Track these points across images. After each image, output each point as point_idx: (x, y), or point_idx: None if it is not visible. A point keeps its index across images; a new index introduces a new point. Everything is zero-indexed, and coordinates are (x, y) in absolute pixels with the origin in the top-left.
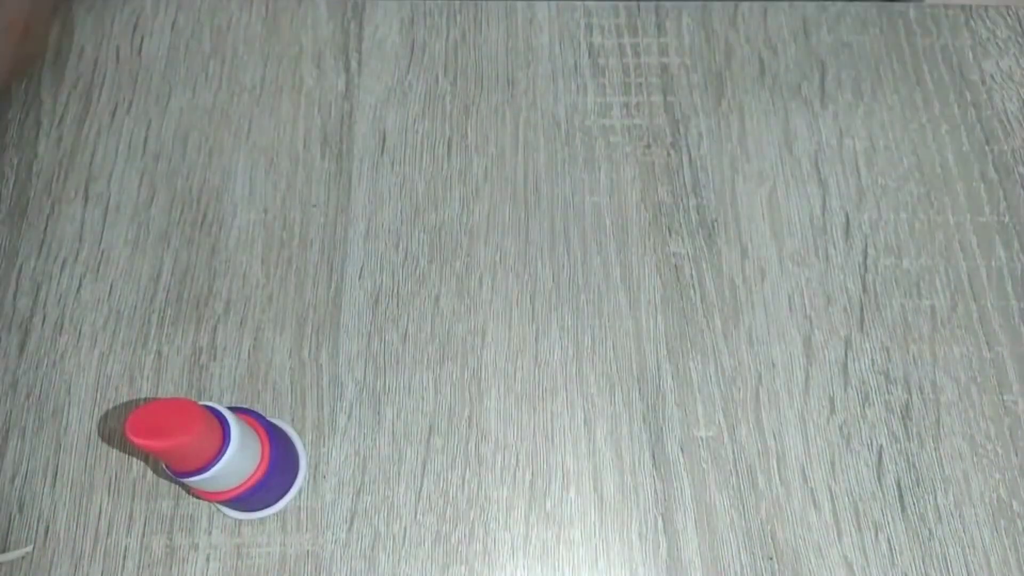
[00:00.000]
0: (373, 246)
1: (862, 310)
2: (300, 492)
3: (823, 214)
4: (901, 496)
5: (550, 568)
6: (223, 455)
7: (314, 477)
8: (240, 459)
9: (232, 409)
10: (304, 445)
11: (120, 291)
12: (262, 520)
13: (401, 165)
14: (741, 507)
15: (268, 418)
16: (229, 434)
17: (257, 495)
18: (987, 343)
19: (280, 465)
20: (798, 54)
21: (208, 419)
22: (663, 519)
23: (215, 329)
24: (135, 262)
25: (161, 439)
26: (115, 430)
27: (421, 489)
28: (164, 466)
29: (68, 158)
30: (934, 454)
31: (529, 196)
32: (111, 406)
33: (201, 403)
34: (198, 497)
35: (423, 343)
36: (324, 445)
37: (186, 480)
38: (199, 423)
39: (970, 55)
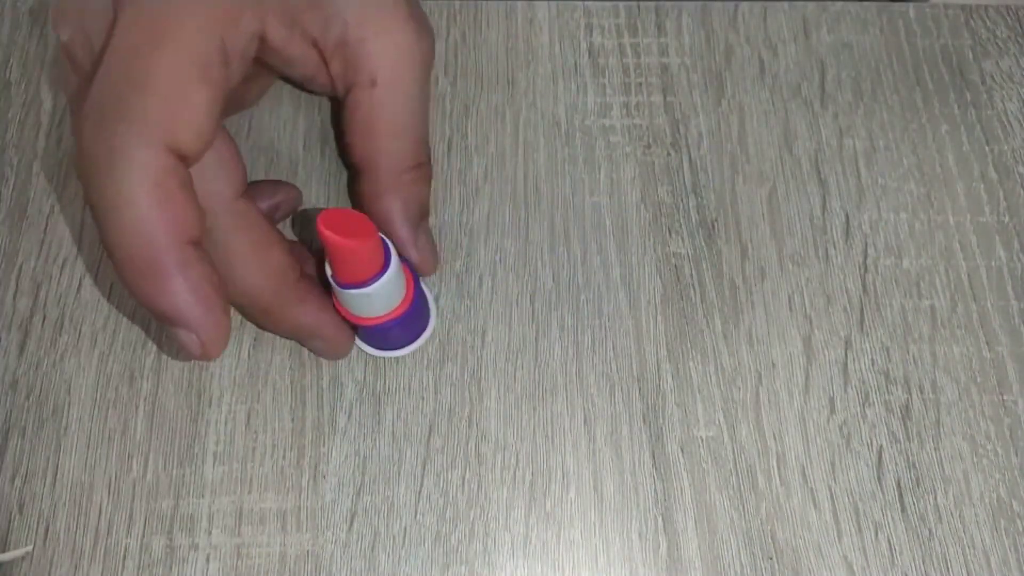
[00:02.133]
0: None
1: (862, 310)
2: (429, 339)
3: (823, 214)
4: (901, 496)
5: (550, 568)
6: (388, 267)
7: (314, 475)
8: (397, 282)
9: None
10: (433, 298)
11: (120, 291)
12: (263, 518)
13: None
14: (741, 507)
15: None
16: (389, 254)
17: (405, 324)
18: (987, 343)
19: (418, 305)
20: (798, 54)
21: (379, 236)
22: (663, 519)
23: None
24: None
25: (350, 238)
26: (113, 430)
27: (421, 489)
28: (329, 276)
29: (68, 158)
30: (934, 454)
31: (529, 196)
32: (111, 406)
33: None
34: (348, 323)
35: (423, 343)
36: (324, 445)
37: (354, 291)
38: (375, 234)
39: (970, 55)
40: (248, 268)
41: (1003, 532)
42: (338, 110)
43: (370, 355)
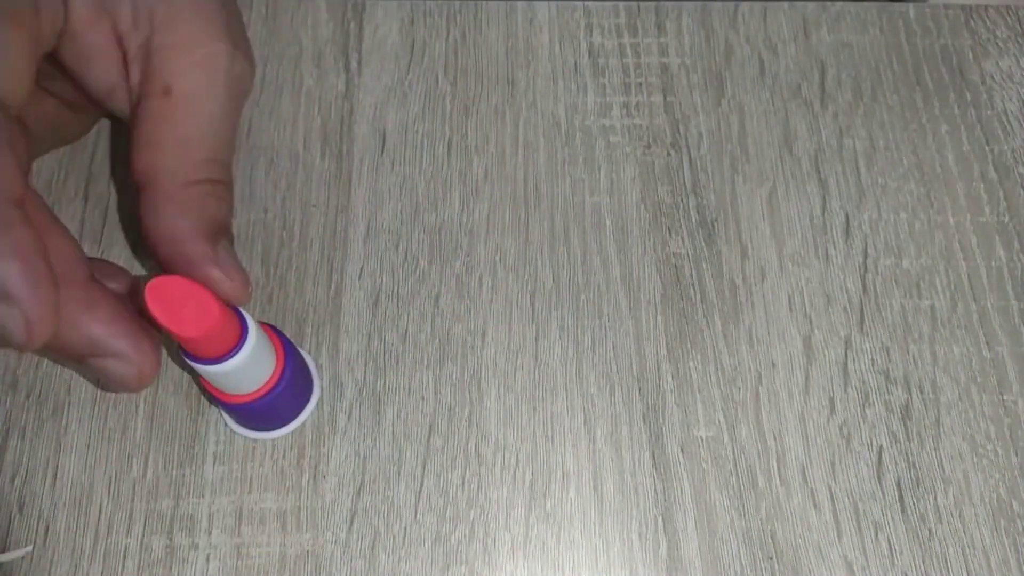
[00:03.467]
0: (373, 246)
1: (862, 310)
2: (310, 416)
3: (823, 214)
4: (901, 496)
5: (550, 568)
6: (244, 344)
7: (314, 476)
8: (260, 354)
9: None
10: (317, 365)
11: None
12: (263, 518)
13: (401, 165)
14: (741, 507)
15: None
16: (247, 327)
17: (277, 402)
18: (987, 343)
19: (296, 374)
20: (798, 54)
21: (228, 311)
22: (663, 519)
23: None
24: (135, 262)
25: (187, 325)
26: (113, 430)
27: (421, 489)
28: (182, 352)
29: (68, 158)
30: (934, 454)
31: (529, 196)
32: (111, 406)
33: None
34: (212, 400)
35: (423, 343)
36: (324, 445)
37: (205, 367)
38: (222, 312)
39: (970, 55)
40: (15, 258)
41: (1003, 532)
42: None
43: (247, 437)
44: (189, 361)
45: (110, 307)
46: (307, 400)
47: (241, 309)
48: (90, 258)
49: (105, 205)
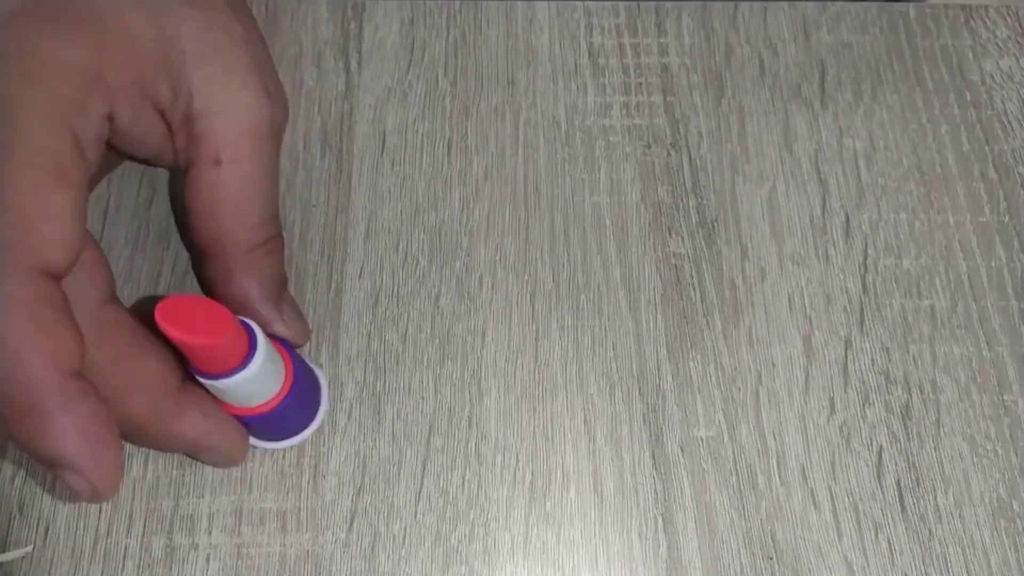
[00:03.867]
0: (373, 246)
1: (862, 310)
2: (320, 426)
3: (823, 214)
4: (901, 496)
5: (550, 568)
6: (253, 358)
7: (314, 475)
8: (269, 368)
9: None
10: (324, 375)
11: (120, 291)
12: (263, 518)
13: (401, 165)
14: (741, 507)
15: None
16: (255, 341)
17: (285, 414)
18: (987, 343)
19: (304, 386)
20: (798, 54)
21: (238, 325)
22: (663, 519)
23: None
24: (135, 262)
25: (199, 334)
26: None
27: (421, 489)
28: (190, 367)
29: None
30: (934, 454)
31: (529, 196)
32: None
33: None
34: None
35: (423, 343)
36: (324, 445)
37: (215, 382)
38: (230, 322)
39: (970, 55)
40: (118, 384)
41: (1003, 532)
42: (181, 184)
43: (264, 448)
44: (200, 378)
45: (199, 408)
46: (315, 412)
47: (249, 321)
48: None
49: (105, 206)
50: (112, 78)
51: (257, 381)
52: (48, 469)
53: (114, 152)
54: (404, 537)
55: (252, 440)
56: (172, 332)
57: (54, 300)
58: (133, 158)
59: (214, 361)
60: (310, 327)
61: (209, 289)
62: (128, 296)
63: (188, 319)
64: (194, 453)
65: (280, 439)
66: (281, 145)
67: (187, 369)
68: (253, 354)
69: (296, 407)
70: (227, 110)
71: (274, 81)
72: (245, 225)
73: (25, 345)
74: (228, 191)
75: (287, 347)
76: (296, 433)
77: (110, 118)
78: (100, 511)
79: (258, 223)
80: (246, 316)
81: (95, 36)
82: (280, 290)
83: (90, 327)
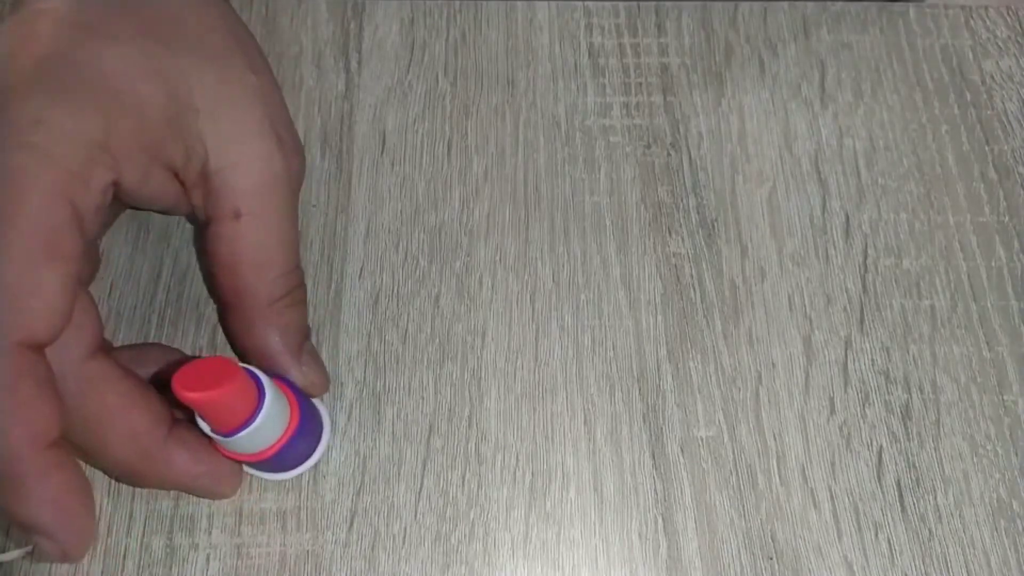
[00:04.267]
0: (373, 246)
1: (862, 310)
2: (325, 451)
3: (823, 214)
4: (901, 496)
5: (550, 568)
6: (262, 406)
7: (314, 475)
8: (277, 409)
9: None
10: (327, 412)
11: (120, 291)
12: (263, 518)
13: (401, 165)
14: (741, 507)
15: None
16: (263, 388)
17: (284, 455)
18: (987, 343)
19: (306, 427)
20: (798, 54)
21: (245, 375)
22: (663, 519)
23: (215, 329)
24: (135, 262)
25: (213, 388)
26: None
27: (421, 489)
28: (208, 429)
29: None
30: (934, 454)
31: (529, 196)
32: None
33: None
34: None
35: (423, 343)
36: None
37: (231, 436)
38: (238, 373)
39: (970, 55)
40: (104, 436)
41: (1003, 532)
42: (201, 238)
43: (268, 480)
44: (226, 439)
45: (188, 453)
46: (315, 447)
47: (256, 372)
48: (127, 347)
49: None
50: (118, 145)
51: (260, 432)
52: (23, 533)
53: (121, 206)
54: (404, 537)
55: (249, 469)
56: (191, 396)
57: (36, 372)
58: (149, 209)
59: (230, 416)
60: (329, 377)
61: (232, 339)
62: (128, 296)
63: (201, 378)
64: (184, 491)
65: (277, 472)
66: (299, 194)
67: (179, 415)
68: (262, 400)
69: (296, 448)
70: (242, 164)
71: (289, 131)
72: (266, 278)
73: (5, 419)
74: (248, 244)
75: (293, 388)
76: (294, 468)
77: (116, 184)
78: (100, 511)
79: (279, 275)
80: (267, 367)
81: (104, 104)
82: (301, 341)
83: (75, 382)
